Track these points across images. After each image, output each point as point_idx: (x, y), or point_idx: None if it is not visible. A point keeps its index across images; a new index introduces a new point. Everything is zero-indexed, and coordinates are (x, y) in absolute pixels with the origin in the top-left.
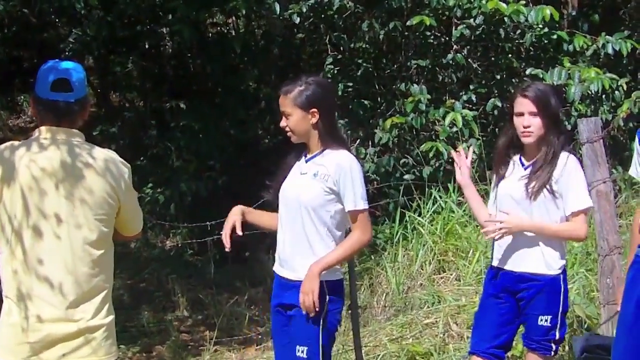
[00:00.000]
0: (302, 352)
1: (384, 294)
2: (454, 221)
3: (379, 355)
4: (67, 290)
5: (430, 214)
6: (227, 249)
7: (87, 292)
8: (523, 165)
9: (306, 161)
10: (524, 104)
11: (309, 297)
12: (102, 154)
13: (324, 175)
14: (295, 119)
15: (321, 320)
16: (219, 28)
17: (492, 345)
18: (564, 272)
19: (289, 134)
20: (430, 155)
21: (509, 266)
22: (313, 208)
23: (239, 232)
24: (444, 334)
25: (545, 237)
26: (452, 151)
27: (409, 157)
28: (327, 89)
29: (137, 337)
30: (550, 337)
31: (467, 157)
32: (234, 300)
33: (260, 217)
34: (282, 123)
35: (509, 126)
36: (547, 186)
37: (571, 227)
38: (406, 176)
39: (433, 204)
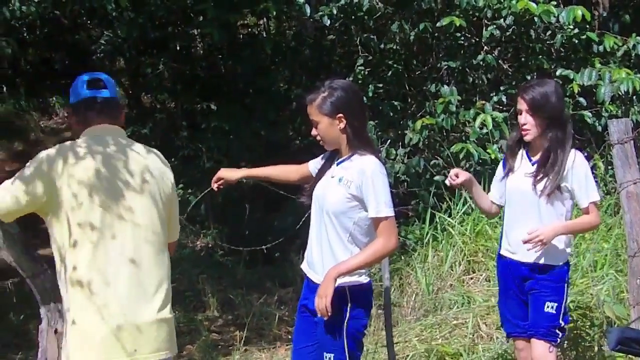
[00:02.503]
0: (330, 359)
1: (414, 295)
2: (484, 222)
3: (408, 355)
4: (136, 283)
5: (461, 215)
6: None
7: (155, 285)
8: (530, 160)
9: (337, 164)
10: (521, 103)
11: (322, 301)
12: (153, 153)
13: (347, 181)
14: (323, 126)
15: (344, 327)
16: (250, 29)
17: (524, 325)
18: (568, 263)
19: (321, 142)
20: (461, 156)
21: (518, 257)
22: (335, 214)
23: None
24: (473, 335)
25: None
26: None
27: (439, 158)
28: (351, 92)
29: None
30: (556, 324)
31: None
32: (264, 300)
33: (264, 172)
34: (313, 132)
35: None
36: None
37: (589, 219)
38: (436, 177)
39: (463, 205)
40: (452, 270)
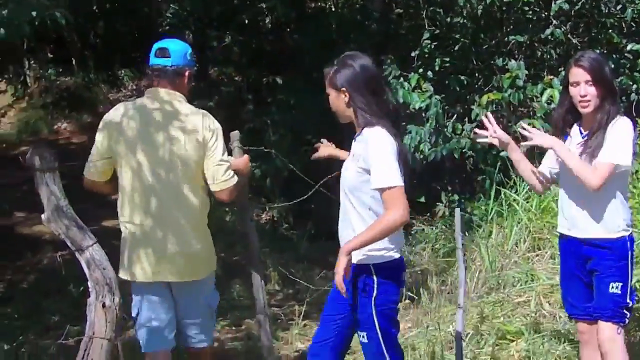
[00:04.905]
0: (364, 337)
1: (478, 271)
2: (550, 198)
3: (468, 333)
4: (162, 222)
5: (526, 191)
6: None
7: (178, 225)
8: (582, 133)
9: (354, 141)
10: (579, 74)
11: (336, 277)
12: (189, 111)
13: (357, 155)
14: (331, 98)
15: (372, 304)
16: (317, 3)
17: (585, 308)
18: (631, 237)
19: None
20: None
21: (574, 232)
22: (350, 190)
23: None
24: (536, 313)
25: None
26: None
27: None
28: (359, 67)
29: (227, 310)
30: (623, 304)
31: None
32: (324, 275)
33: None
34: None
35: (565, 97)
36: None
37: (590, 171)
38: (503, 153)
39: None
40: (517, 247)
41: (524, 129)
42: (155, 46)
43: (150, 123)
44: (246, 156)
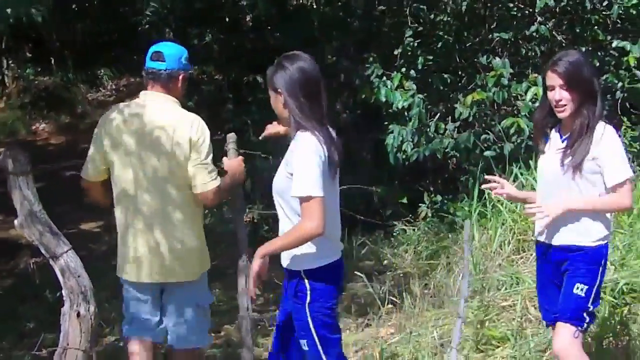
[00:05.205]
0: (304, 344)
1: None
2: None
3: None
4: (146, 222)
5: None
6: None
7: (161, 224)
8: (561, 137)
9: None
10: (554, 78)
11: (249, 281)
12: (178, 114)
13: (287, 160)
14: (271, 100)
15: (306, 310)
16: (300, 0)
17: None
18: (606, 245)
19: None
20: (512, 131)
21: (549, 239)
22: (280, 195)
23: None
24: (521, 318)
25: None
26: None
27: (490, 132)
28: (296, 70)
29: None
30: (584, 308)
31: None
32: None
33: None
34: None
35: (546, 99)
36: (586, 160)
37: (615, 198)
38: (487, 152)
39: (514, 182)
40: (501, 249)
41: (532, 211)
42: (151, 49)
43: (143, 129)
44: (240, 157)
